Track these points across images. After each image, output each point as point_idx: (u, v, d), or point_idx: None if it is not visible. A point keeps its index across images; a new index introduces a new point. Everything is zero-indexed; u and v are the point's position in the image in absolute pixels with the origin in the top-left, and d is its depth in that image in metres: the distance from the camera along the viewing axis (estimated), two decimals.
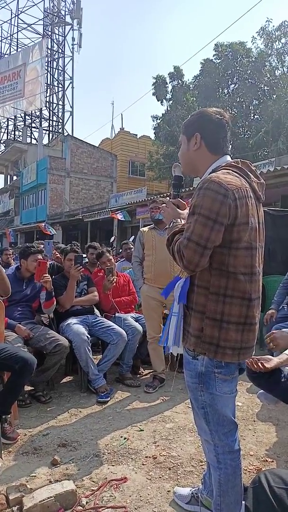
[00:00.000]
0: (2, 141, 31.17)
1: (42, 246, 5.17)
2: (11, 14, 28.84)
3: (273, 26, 19.05)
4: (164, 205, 1.65)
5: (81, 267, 3.43)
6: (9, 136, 30.38)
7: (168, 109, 21.31)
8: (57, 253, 5.26)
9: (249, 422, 2.74)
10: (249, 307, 1.38)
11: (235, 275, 1.35)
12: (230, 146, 1.53)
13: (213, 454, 1.49)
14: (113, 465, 2.18)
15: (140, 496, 1.91)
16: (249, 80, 18.97)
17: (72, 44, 29.66)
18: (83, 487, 1.98)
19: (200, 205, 1.31)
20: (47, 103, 28.31)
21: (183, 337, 1.48)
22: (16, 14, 28.52)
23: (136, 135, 25.87)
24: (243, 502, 1.53)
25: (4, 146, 29.83)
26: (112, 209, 15.09)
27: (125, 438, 2.48)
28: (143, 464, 2.19)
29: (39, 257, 3.30)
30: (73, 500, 1.81)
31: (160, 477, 2.07)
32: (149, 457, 2.27)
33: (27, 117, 28.90)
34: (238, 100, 19.56)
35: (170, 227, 1.52)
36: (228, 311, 1.36)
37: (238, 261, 1.35)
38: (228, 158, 1.48)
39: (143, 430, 2.59)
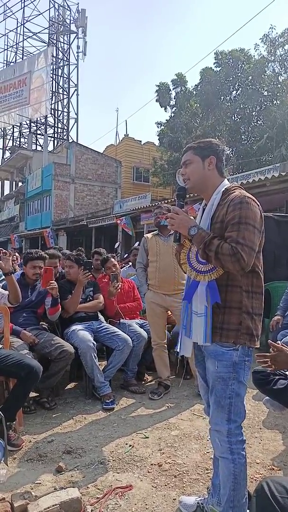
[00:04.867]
0: (7, 148, 31.46)
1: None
2: (17, 23, 29.24)
3: (277, 33, 19.19)
4: (171, 213, 1.68)
5: (89, 273, 3.44)
6: (14, 143, 30.65)
7: (172, 115, 21.41)
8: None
9: (255, 429, 2.71)
10: (261, 300, 1.64)
11: (258, 274, 1.60)
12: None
13: (227, 445, 1.59)
14: (118, 473, 2.17)
15: (146, 504, 1.90)
16: (251, 86, 19.00)
17: (77, 52, 29.90)
18: (88, 494, 1.97)
19: (245, 216, 1.51)
20: (52, 110, 28.53)
21: (214, 334, 1.60)
22: (22, 23, 28.88)
23: (141, 141, 25.94)
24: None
25: (10, 153, 30.08)
26: (116, 215, 15.13)
27: (130, 445, 2.47)
28: (148, 472, 2.18)
29: (40, 264, 3.29)
30: (78, 508, 1.81)
31: (165, 485, 2.05)
32: (155, 464, 2.25)
33: (32, 124, 29.14)
34: (240, 106, 19.59)
35: (198, 233, 1.57)
36: (255, 305, 1.60)
37: (259, 261, 1.62)
38: (227, 181, 1.70)
39: (148, 437, 2.58)
